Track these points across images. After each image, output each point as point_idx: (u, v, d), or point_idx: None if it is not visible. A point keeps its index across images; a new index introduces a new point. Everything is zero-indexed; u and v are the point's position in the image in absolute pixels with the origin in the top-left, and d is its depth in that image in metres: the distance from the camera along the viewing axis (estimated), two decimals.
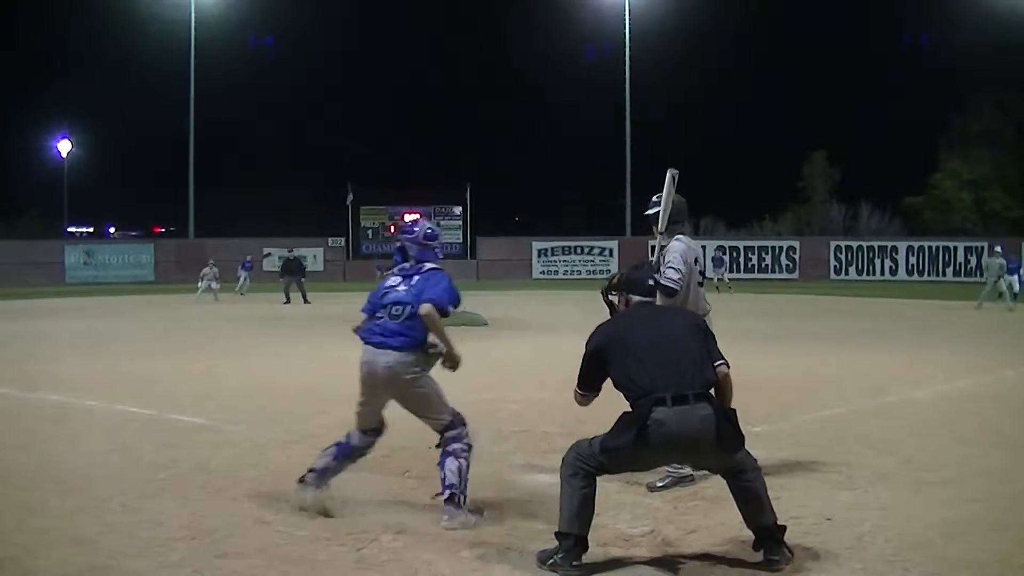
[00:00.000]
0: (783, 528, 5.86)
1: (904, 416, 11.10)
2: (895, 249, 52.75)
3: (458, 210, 60.15)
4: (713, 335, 6.24)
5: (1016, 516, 7.05)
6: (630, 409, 5.75)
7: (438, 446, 7.09)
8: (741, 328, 21.62)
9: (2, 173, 78.76)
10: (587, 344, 6.16)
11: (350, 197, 61.07)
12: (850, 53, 77.61)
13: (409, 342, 6.95)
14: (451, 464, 6.96)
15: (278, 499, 7.39)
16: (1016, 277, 34.37)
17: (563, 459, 5.92)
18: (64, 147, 78.85)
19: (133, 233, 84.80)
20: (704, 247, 45.22)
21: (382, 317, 7.10)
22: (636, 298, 6.42)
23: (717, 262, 46.09)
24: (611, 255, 55.93)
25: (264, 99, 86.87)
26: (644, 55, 61.46)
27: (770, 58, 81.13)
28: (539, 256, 56.78)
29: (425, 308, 6.86)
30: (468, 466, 7.00)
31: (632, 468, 6.13)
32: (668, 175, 8.05)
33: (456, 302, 7.11)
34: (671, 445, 5.61)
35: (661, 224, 8.01)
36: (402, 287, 7.16)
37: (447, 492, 6.89)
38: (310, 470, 7.20)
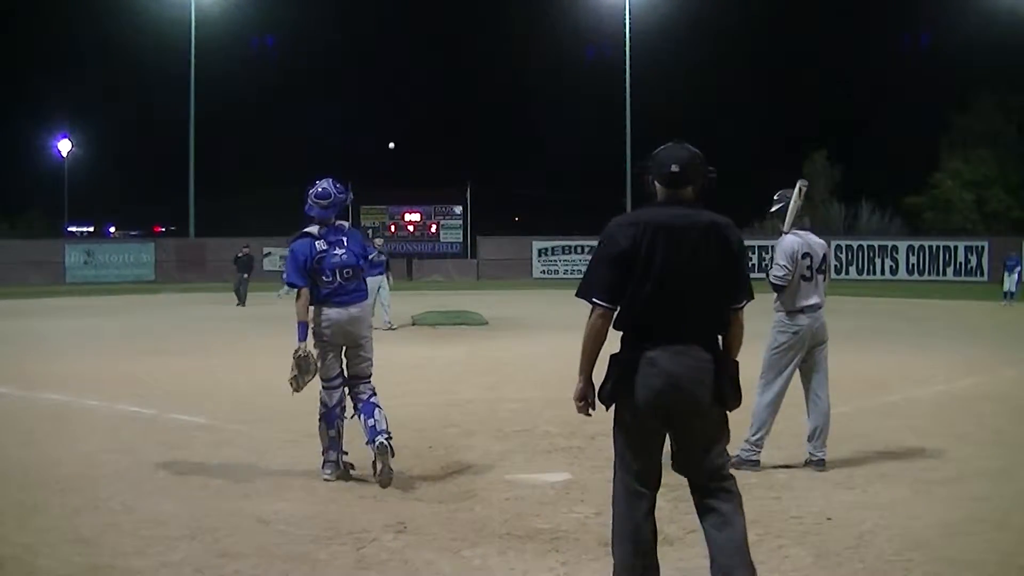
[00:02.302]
0: None
1: (905, 415, 11.12)
2: (895, 249, 52.60)
3: (458, 209, 59.96)
4: (743, 265, 5.17)
5: (1017, 515, 7.06)
6: (618, 349, 4.97)
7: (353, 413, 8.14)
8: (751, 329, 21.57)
9: (3, 172, 78.77)
10: (608, 241, 4.98)
11: (350, 196, 60.78)
12: (851, 52, 77.57)
13: (366, 295, 8.26)
14: (379, 413, 7.88)
15: (279, 498, 7.41)
16: (1016, 275, 34.31)
17: None
18: (64, 146, 78.88)
19: (133, 232, 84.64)
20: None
21: (331, 281, 8.00)
22: (659, 186, 5.07)
23: None
24: None
25: (264, 98, 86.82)
26: (644, 55, 61.45)
27: (770, 58, 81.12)
28: (539, 256, 56.67)
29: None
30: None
31: (644, 437, 4.94)
32: (798, 186, 8.85)
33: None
34: (664, 389, 4.79)
35: (786, 226, 8.72)
36: (339, 250, 8.10)
37: (385, 435, 7.71)
38: (323, 452, 8.12)
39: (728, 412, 5.01)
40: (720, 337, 5.03)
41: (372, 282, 23.09)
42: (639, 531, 4.93)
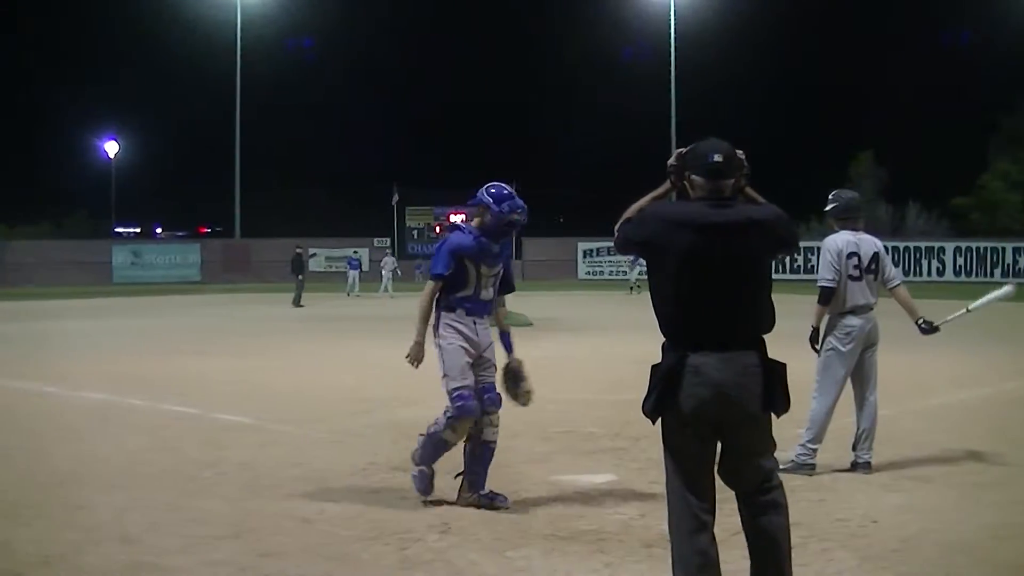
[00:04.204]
0: None
1: (951, 418, 11.01)
2: (943, 250, 52.16)
3: None
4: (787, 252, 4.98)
5: None
6: (660, 358, 4.66)
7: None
8: (791, 328, 21.43)
9: (51, 173, 79.80)
10: (636, 223, 4.74)
11: (395, 197, 61.23)
12: (900, 51, 76.84)
13: None
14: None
15: (322, 498, 7.42)
16: None
17: None
18: (111, 148, 79.68)
19: (180, 233, 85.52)
20: None
21: None
22: (698, 179, 4.66)
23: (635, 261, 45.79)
24: None
25: (310, 99, 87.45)
26: (688, 54, 61.38)
27: (816, 57, 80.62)
28: (585, 257, 56.69)
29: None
30: (430, 443, 7.27)
31: (697, 451, 4.63)
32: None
33: (435, 268, 7.45)
34: (711, 399, 4.49)
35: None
36: None
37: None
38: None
39: (777, 418, 4.74)
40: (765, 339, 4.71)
41: None
42: (707, 562, 4.59)
